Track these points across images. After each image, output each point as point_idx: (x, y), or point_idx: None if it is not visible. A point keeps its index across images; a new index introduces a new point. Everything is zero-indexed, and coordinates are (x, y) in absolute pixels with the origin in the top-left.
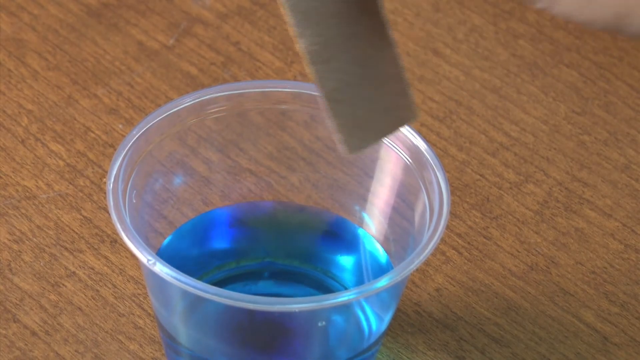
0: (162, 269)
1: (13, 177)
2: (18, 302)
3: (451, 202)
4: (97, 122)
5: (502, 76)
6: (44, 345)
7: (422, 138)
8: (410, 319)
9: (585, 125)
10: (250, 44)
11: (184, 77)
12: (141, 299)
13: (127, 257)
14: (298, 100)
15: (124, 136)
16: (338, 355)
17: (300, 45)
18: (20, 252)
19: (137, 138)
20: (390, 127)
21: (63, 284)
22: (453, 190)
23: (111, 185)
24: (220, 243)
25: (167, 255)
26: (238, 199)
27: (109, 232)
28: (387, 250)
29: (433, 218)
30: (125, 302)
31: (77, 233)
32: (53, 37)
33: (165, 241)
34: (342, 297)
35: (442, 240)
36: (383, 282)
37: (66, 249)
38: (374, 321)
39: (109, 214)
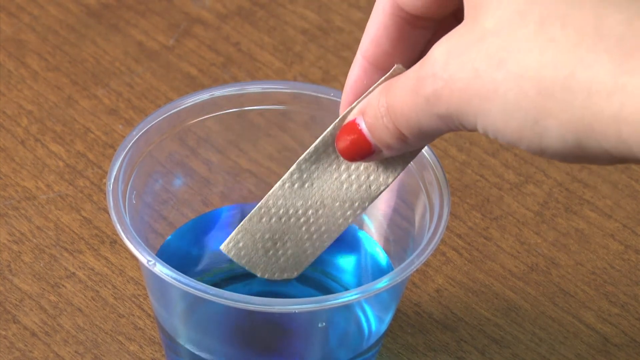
0: (162, 270)
1: (13, 177)
2: (18, 303)
3: (451, 203)
4: (97, 123)
5: None
6: (43, 346)
7: None
8: (410, 319)
9: None
10: (250, 44)
11: (184, 78)
12: (141, 299)
13: (127, 258)
14: (298, 101)
15: (123, 137)
16: (338, 356)
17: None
18: (20, 252)
19: (137, 139)
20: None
21: (63, 285)
22: (453, 191)
23: (111, 186)
24: (220, 244)
25: (167, 256)
26: (238, 199)
27: (109, 233)
28: (387, 251)
29: (433, 219)
30: (125, 302)
31: (77, 234)
32: (53, 38)
33: (165, 242)
34: (343, 298)
35: (443, 241)
36: (383, 283)
37: (66, 249)
38: (374, 322)
39: (109, 215)
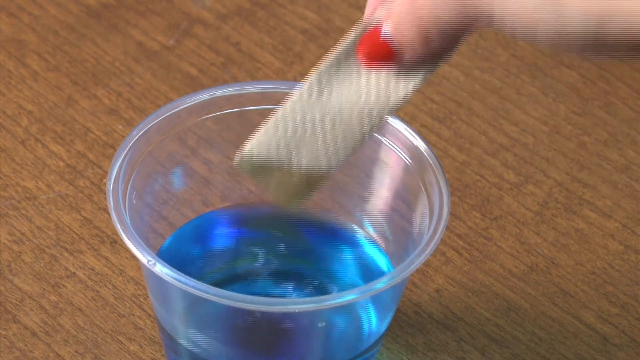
0: (162, 270)
1: (13, 177)
2: (18, 303)
3: (451, 203)
4: (97, 123)
5: (502, 77)
6: (44, 346)
7: (422, 139)
8: (410, 319)
9: (585, 126)
10: (250, 44)
11: (184, 78)
12: (141, 299)
13: (127, 258)
14: None
15: (124, 137)
16: (338, 356)
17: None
18: (21, 252)
19: (137, 139)
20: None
21: (63, 285)
22: (453, 191)
23: (111, 186)
24: (220, 244)
25: (167, 256)
26: (238, 199)
27: (109, 233)
28: (387, 251)
29: (433, 219)
30: (125, 302)
31: (77, 234)
32: (53, 38)
33: (166, 242)
34: (342, 298)
35: (442, 241)
36: (383, 283)
37: (66, 249)
38: (374, 322)
39: (109, 215)
